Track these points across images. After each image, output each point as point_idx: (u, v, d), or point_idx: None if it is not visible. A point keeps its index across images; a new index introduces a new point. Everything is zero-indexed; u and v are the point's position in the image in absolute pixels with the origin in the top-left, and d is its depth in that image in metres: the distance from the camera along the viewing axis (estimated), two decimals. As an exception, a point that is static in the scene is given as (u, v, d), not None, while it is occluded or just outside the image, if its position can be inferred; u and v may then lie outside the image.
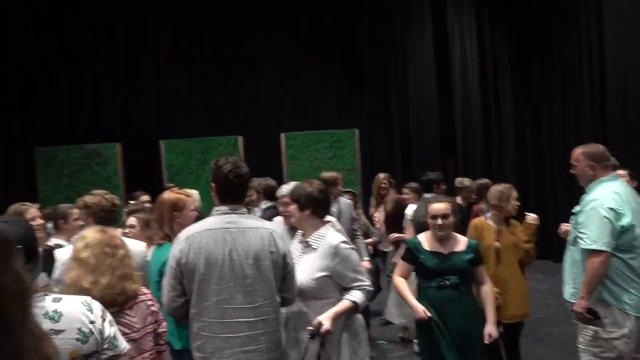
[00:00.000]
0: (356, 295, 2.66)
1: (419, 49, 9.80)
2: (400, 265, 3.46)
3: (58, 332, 1.61)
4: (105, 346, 1.72)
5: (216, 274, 2.37)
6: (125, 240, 2.51)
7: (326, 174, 5.15)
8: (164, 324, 2.51)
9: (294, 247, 2.82)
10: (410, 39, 9.91)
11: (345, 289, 2.68)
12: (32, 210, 3.37)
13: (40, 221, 3.35)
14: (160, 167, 8.60)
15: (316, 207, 2.73)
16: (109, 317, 1.79)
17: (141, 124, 9.44)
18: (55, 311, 1.64)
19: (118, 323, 2.14)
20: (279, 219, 3.70)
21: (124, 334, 2.06)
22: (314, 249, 2.69)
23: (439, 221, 3.21)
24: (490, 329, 3.24)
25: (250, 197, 5.06)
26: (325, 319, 2.55)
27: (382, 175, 6.21)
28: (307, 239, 2.73)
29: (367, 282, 2.73)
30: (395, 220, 5.41)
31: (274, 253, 2.44)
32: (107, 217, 3.17)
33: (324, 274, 2.63)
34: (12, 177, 9.09)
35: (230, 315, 2.38)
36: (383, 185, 6.09)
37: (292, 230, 3.33)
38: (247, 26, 9.67)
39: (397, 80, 10.16)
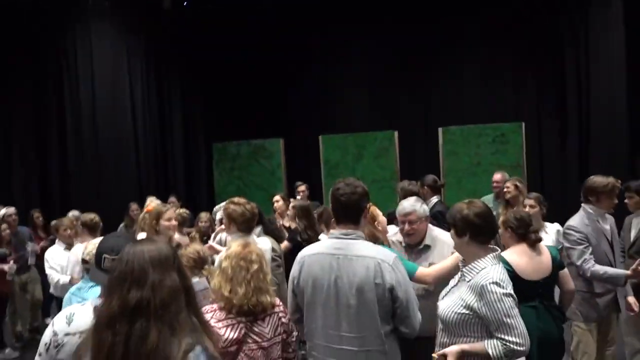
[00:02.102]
0: (496, 348, 2.22)
1: (602, 37, 8.50)
2: None
3: None
4: None
5: (322, 299, 2.40)
6: (263, 256, 2.59)
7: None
8: (295, 334, 2.59)
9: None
10: (593, 30, 8.62)
11: (492, 334, 2.28)
12: (169, 212, 3.69)
13: (174, 222, 3.65)
14: (319, 161, 8.92)
15: (475, 232, 2.36)
16: None
17: (302, 119, 9.88)
18: None
19: (250, 331, 2.35)
20: (396, 229, 3.39)
21: (254, 341, 2.37)
22: (466, 281, 2.38)
23: None
24: None
25: (423, 193, 4.99)
26: (451, 352, 2.28)
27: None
28: (463, 268, 2.41)
29: (513, 340, 2.20)
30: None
31: (379, 285, 2.31)
32: (249, 225, 3.52)
33: (466, 312, 2.29)
34: (196, 170, 10.24)
35: (335, 341, 2.38)
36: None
37: (410, 248, 3.14)
38: (404, 19, 9.49)
39: (577, 70, 8.91)
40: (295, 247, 5.14)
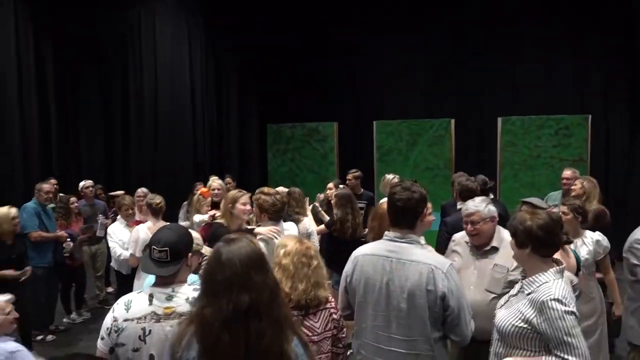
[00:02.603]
0: None
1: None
2: None
3: None
4: None
5: (373, 300, 2.43)
6: (318, 251, 2.74)
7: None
8: (345, 330, 2.63)
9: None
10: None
11: (550, 352, 2.18)
12: (244, 197, 3.77)
13: (249, 207, 3.75)
14: (372, 146, 8.87)
15: (537, 245, 2.28)
16: None
17: (357, 104, 9.83)
18: (194, 298, 2.01)
19: (301, 325, 2.40)
20: (462, 233, 3.25)
21: (305, 335, 2.37)
22: (525, 293, 2.30)
23: None
24: None
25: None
26: None
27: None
28: (523, 280, 2.35)
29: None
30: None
31: (431, 292, 2.30)
32: (279, 214, 3.76)
33: (524, 325, 2.22)
34: (250, 151, 10.43)
35: (383, 342, 2.40)
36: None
37: (476, 249, 3.06)
38: (464, 3, 9.17)
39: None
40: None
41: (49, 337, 5.46)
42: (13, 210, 4.74)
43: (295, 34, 9.85)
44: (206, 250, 2.89)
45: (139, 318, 2.05)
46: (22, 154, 8.30)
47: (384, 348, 2.40)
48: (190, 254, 2.20)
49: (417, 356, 2.35)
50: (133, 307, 2.08)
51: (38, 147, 8.23)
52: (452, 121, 8.46)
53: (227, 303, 1.65)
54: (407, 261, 2.37)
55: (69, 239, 5.64)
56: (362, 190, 6.48)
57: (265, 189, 3.81)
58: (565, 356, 2.12)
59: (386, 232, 2.53)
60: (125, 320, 2.05)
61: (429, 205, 3.04)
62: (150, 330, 2.05)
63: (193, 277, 2.81)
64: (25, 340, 4.51)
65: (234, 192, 3.84)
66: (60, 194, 6.33)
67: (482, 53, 9.19)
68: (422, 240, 2.48)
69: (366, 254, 2.51)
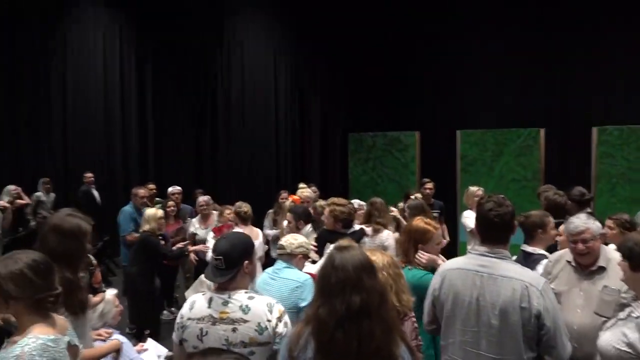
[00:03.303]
0: None
1: None
2: None
3: (245, 321, 2.16)
4: (277, 341, 2.15)
5: (462, 315, 2.38)
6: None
7: None
8: (420, 337, 2.65)
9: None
10: None
11: None
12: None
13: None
14: (454, 156, 8.69)
15: None
16: (285, 319, 2.21)
17: (440, 113, 9.67)
18: (247, 306, 2.18)
19: None
20: (561, 252, 3.09)
21: None
22: (634, 317, 2.21)
23: None
24: None
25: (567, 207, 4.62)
26: None
27: None
28: (633, 303, 2.27)
29: None
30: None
31: (526, 310, 2.22)
32: (350, 221, 4.19)
33: (627, 350, 2.14)
34: (331, 159, 10.60)
35: (472, 358, 2.35)
36: None
37: (581, 268, 2.86)
38: (555, 10, 8.74)
39: None
40: None
41: (146, 332, 5.89)
42: (160, 212, 5.31)
43: (378, 43, 9.89)
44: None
45: (199, 319, 2.23)
46: (121, 160, 9.05)
47: None
48: (246, 262, 2.28)
49: None
50: (195, 307, 2.27)
51: (137, 155, 8.94)
52: (542, 131, 8.09)
53: (341, 303, 1.78)
54: (499, 277, 2.31)
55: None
56: (433, 200, 6.58)
57: (336, 200, 4.17)
58: None
59: (475, 247, 2.49)
60: (189, 319, 2.25)
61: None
62: (207, 332, 2.21)
63: (300, 275, 3.12)
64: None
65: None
66: (157, 199, 6.80)
67: (574, 59, 8.71)
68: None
69: (455, 268, 2.48)
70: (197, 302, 2.28)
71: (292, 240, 3.29)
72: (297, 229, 4.51)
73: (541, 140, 8.07)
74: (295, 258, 3.23)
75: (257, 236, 5.03)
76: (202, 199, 6.32)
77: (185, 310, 2.29)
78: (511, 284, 2.27)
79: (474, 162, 8.52)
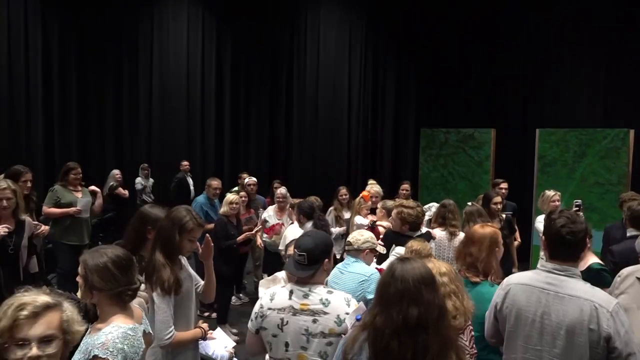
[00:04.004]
0: None
1: None
2: None
3: (326, 313, 2.30)
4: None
5: (524, 332, 2.35)
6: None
7: None
8: (474, 346, 2.63)
9: None
10: None
11: None
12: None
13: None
14: (532, 156, 8.30)
15: None
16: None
17: (518, 110, 9.27)
18: (327, 299, 2.33)
19: None
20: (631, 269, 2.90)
21: None
22: None
23: None
24: None
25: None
26: None
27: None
28: None
29: None
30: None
31: (594, 332, 2.15)
32: (418, 224, 4.19)
33: None
34: (403, 154, 10.49)
35: None
36: None
37: None
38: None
39: None
40: None
41: (213, 315, 6.16)
42: (234, 196, 5.71)
43: (455, 36, 9.63)
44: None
45: (280, 309, 2.37)
46: (201, 152, 9.47)
47: None
48: (326, 260, 2.42)
49: None
50: (276, 298, 2.40)
51: (214, 146, 9.33)
52: (632, 132, 7.53)
53: (398, 313, 1.81)
54: (566, 295, 2.25)
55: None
56: (506, 201, 6.22)
57: (405, 202, 4.24)
58: None
59: (543, 263, 2.42)
60: (269, 309, 2.39)
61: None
62: (287, 322, 2.35)
63: (367, 269, 3.28)
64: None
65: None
66: (235, 188, 7.09)
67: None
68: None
69: (520, 283, 2.43)
70: (277, 293, 2.42)
71: (358, 237, 3.45)
72: (300, 224, 4.98)
73: (630, 141, 7.51)
74: (362, 253, 3.39)
75: None
76: (280, 191, 6.47)
77: (265, 300, 2.42)
78: (579, 304, 2.20)
79: (554, 163, 8.09)
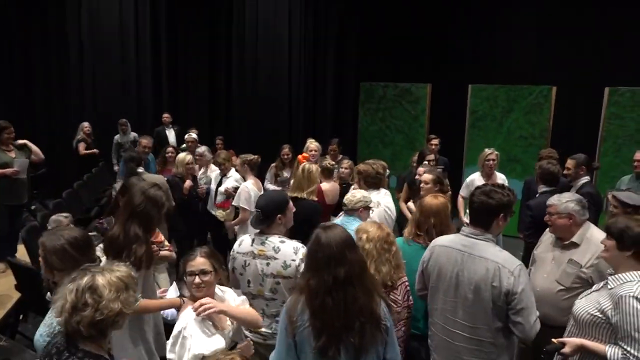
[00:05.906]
0: (615, 355, 2.34)
1: None
2: None
3: (276, 258, 2.86)
4: (298, 276, 2.68)
5: (444, 287, 2.72)
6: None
7: None
8: (411, 298, 2.96)
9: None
10: None
11: (616, 342, 2.37)
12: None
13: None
14: (465, 111, 8.72)
15: None
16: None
17: (454, 67, 9.56)
18: (277, 247, 2.89)
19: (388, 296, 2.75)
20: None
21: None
22: (608, 288, 2.45)
23: None
24: None
25: (568, 171, 4.79)
26: (570, 343, 2.48)
27: None
28: (610, 277, 2.49)
29: (635, 354, 2.28)
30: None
31: (496, 288, 2.52)
32: (374, 182, 4.35)
33: (599, 315, 2.42)
34: (343, 106, 10.61)
35: (450, 324, 2.70)
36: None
37: (560, 240, 3.15)
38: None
39: None
40: None
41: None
42: (188, 157, 5.69)
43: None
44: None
45: (244, 253, 2.97)
46: (136, 104, 9.11)
47: (450, 329, 2.70)
48: (279, 215, 2.92)
49: (479, 341, 2.62)
50: (242, 245, 3.00)
51: (152, 102, 9.04)
52: (554, 89, 8.08)
53: (328, 275, 2.11)
54: (477, 256, 2.61)
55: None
56: (438, 156, 6.46)
57: (368, 161, 4.55)
58: (629, 349, 2.30)
59: (464, 227, 2.76)
60: (238, 252, 3.00)
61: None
62: (249, 263, 2.93)
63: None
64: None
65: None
66: (183, 145, 7.11)
67: (594, 18, 8.54)
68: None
69: (442, 245, 2.79)
70: (244, 240, 3.01)
71: (351, 198, 3.75)
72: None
73: (552, 98, 8.07)
74: (357, 211, 3.69)
75: (260, 188, 5.27)
76: (198, 150, 6.35)
77: (236, 245, 3.04)
78: (486, 264, 2.56)
79: (484, 118, 8.57)
